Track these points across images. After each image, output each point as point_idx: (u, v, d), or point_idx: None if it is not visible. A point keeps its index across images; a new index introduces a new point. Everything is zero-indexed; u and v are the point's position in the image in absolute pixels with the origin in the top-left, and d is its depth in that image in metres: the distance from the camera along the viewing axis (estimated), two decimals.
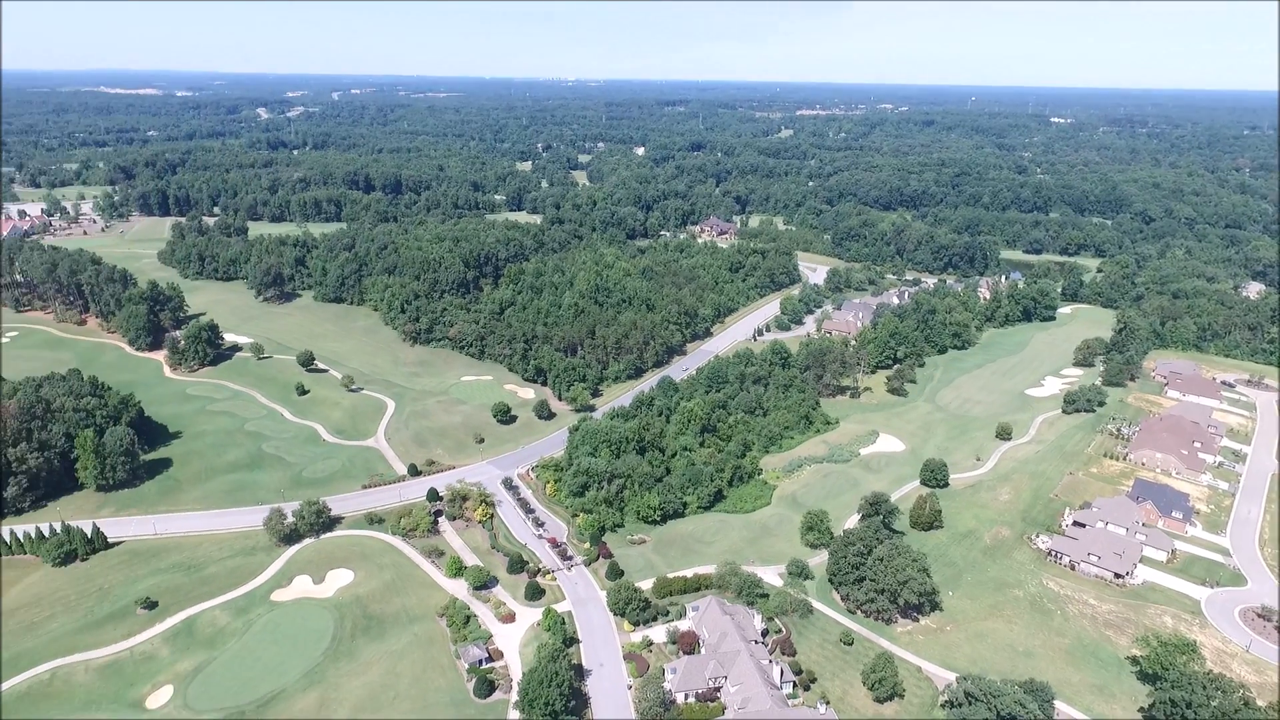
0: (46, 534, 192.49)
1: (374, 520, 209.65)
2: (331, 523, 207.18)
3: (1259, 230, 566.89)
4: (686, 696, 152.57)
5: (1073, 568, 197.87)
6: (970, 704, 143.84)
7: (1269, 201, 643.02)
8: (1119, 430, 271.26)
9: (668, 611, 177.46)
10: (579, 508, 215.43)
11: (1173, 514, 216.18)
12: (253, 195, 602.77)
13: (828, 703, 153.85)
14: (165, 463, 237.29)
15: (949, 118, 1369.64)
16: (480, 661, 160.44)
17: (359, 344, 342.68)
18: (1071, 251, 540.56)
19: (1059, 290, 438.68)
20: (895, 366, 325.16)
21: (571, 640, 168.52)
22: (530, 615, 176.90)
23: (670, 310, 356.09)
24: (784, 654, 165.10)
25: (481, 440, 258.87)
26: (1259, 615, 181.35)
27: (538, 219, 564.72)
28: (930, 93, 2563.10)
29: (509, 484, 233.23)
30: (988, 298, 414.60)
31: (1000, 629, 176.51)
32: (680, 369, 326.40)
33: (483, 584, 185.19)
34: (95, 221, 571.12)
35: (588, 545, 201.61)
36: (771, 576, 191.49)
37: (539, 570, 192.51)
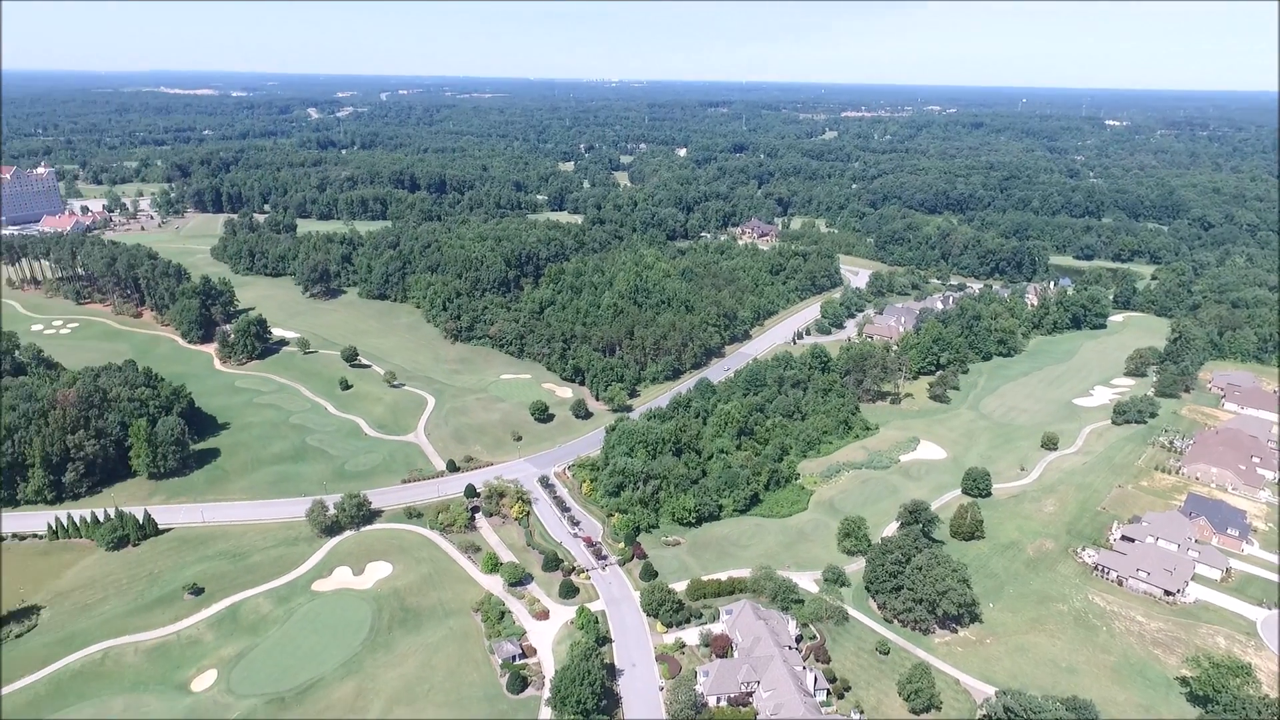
0: (101, 519, 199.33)
1: (413, 514, 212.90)
2: (371, 516, 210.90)
3: None
4: (719, 700, 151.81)
5: (1120, 583, 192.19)
6: (1010, 719, 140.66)
7: None
8: (1172, 443, 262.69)
9: (701, 614, 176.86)
10: (614, 507, 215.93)
11: (1228, 531, 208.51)
12: (302, 193, 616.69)
13: (861, 712, 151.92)
14: (214, 453, 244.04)
15: (998, 120, 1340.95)
16: (514, 657, 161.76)
17: (401, 340, 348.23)
18: (1125, 258, 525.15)
19: (1110, 297, 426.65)
20: (938, 373, 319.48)
21: (604, 639, 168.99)
22: (564, 613, 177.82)
23: (709, 312, 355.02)
24: (818, 661, 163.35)
25: (519, 438, 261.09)
26: None
27: (579, 219, 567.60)
28: (979, 94, 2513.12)
29: (545, 482, 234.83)
30: (1035, 304, 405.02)
31: (1042, 643, 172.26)
32: (721, 369, 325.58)
33: (518, 580, 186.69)
34: (152, 217, 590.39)
35: (622, 545, 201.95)
36: (807, 582, 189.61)
37: (573, 569, 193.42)
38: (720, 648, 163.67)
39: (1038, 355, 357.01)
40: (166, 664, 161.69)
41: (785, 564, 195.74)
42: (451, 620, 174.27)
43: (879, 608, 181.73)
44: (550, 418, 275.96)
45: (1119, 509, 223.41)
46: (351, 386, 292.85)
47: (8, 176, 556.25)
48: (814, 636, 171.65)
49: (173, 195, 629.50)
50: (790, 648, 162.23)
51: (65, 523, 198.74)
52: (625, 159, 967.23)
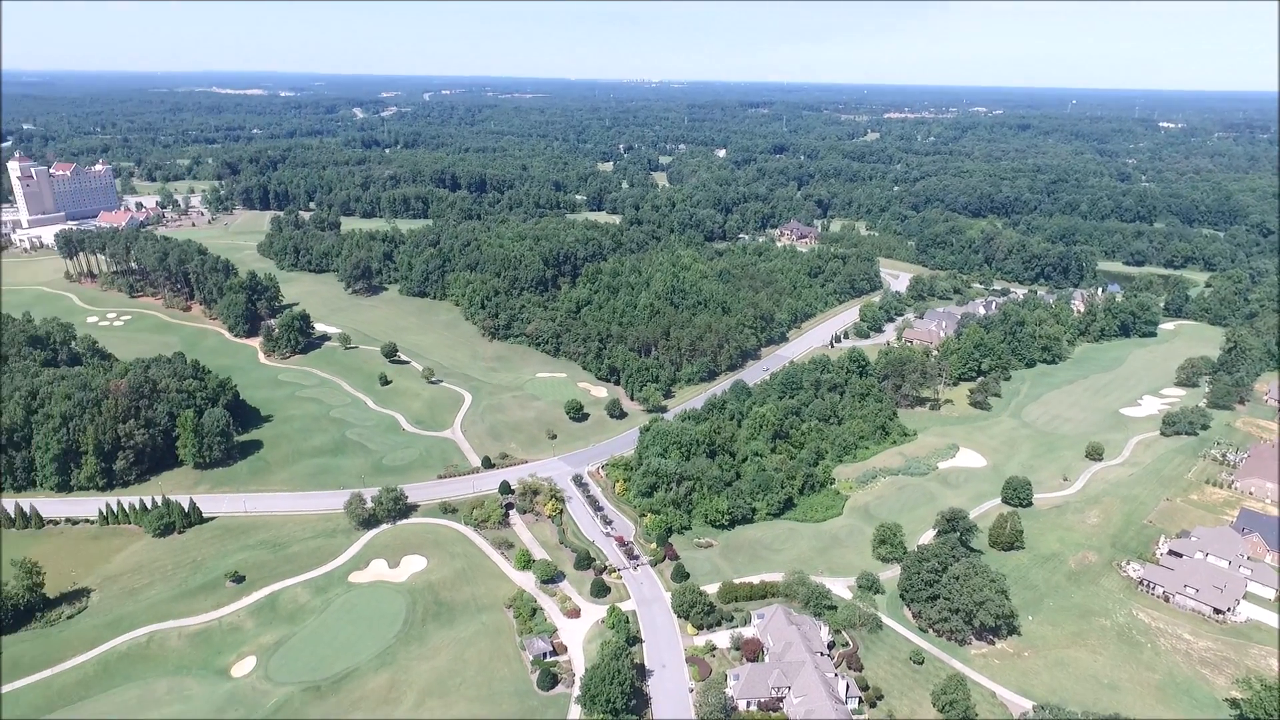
0: (149, 506, 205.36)
1: (448, 509, 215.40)
2: (408, 510, 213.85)
3: None
4: (749, 704, 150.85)
5: (1166, 599, 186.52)
6: None
7: None
8: (1224, 456, 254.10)
9: (732, 617, 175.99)
10: (647, 508, 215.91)
11: None
12: (346, 191, 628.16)
13: None
14: (256, 444, 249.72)
15: (1046, 122, 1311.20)
16: (545, 654, 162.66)
17: (440, 337, 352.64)
18: (1177, 264, 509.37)
19: (1161, 305, 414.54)
20: (979, 379, 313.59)
21: (635, 639, 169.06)
22: (595, 612, 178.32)
23: (746, 314, 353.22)
24: (850, 668, 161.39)
25: (554, 436, 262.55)
26: None
27: (617, 219, 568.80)
28: (1027, 95, 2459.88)
29: (579, 481, 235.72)
30: (1082, 310, 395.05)
31: (1083, 658, 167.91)
32: (761, 369, 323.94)
33: (550, 578, 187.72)
34: (203, 214, 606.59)
35: (654, 546, 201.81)
36: (840, 588, 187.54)
37: (605, 568, 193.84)
38: (751, 652, 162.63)
39: (1084, 363, 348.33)
40: (208, 649, 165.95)
41: (818, 569, 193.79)
42: (484, 615, 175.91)
43: (914, 616, 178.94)
44: (585, 417, 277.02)
45: (1166, 523, 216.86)
46: (390, 382, 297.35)
47: (68, 173, 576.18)
48: (846, 643, 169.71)
49: (222, 192, 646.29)
50: (822, 654, 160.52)
51: (115, 509, 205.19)
52: (664, 159, 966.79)
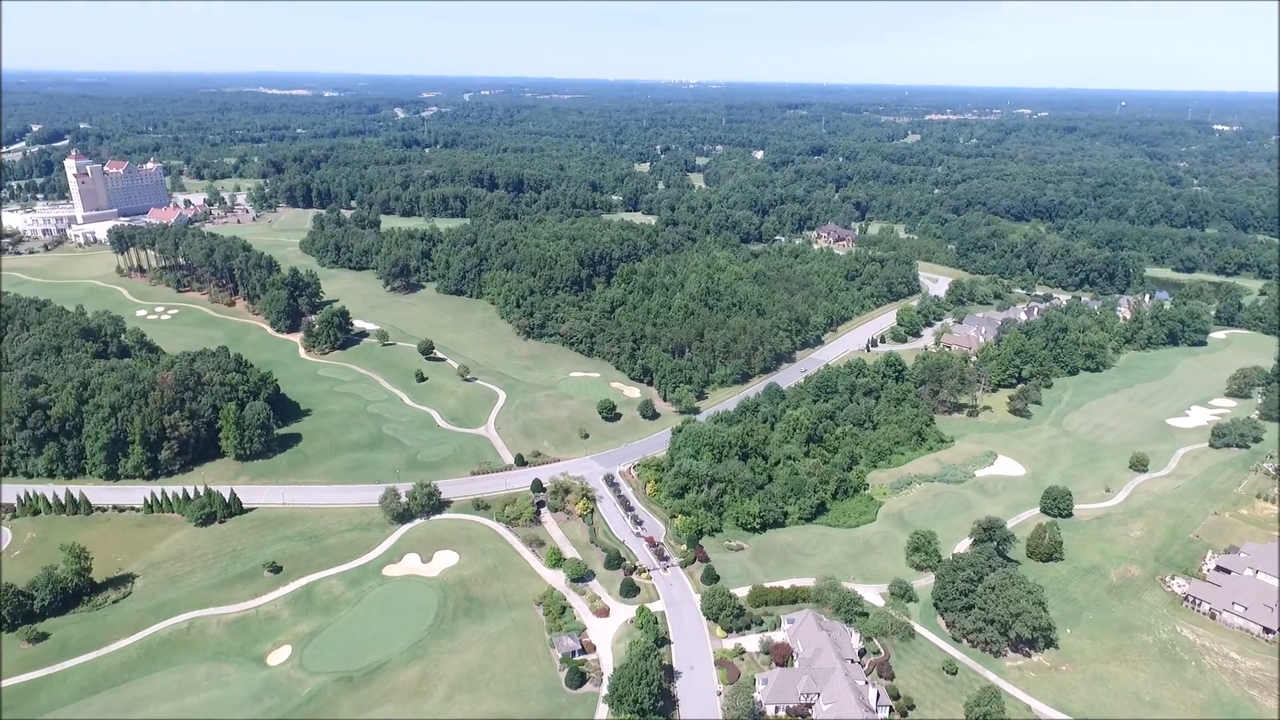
0: (191, 496, 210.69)
1: (480, 506, 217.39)
2: (441, 505, 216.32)
3: None
4: (777, 709, 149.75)
5: (1213, 616, 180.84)
6: None
7: None
8: (1276, 470, 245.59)
9: (762, 621, 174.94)
10: (678, 509, 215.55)
11: None
12: (386, 190, 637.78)
13: None
14: (295, 438, 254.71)
15: (1093, 124, 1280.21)
16: (573, 652, 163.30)
17: (475, 335, 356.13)
18: (1230, 271, 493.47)
19: (1212, 313, 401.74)
20: (1019, 386, 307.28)
21: (663, 640, 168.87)
22: (624, 612, 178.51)
23: (781, 316, 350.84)
24: (881, 677, 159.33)
25: (586, 435, 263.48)
26: None
27: (652, 220, 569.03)
28: (1074, 97, 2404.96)
29: (610, 480, 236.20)
30: (1128, 318, 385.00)
31: (1123, 674, 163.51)
32: (798, 370, 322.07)
33: (580, 577, 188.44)
34: (248, 211, 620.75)
35: (684, 547, 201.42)
36: (872, 595, 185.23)
37: (635, 568, 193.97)
38: (780, 656, 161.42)
39: (1129, 371, 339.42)
40: (245, 637, 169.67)
41: (850, 575, 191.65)
42: (514, 612, 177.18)
43: (947, 626, 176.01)
44: (617, 417, 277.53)
45: (1214, 538, 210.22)
46: (426, 379, 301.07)
47: (121, 171, 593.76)
48: (878, 651, 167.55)
49: (267, 190, 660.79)
50: (853, 661, 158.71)
51: (160, 497, 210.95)
52: (701, 160, 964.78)
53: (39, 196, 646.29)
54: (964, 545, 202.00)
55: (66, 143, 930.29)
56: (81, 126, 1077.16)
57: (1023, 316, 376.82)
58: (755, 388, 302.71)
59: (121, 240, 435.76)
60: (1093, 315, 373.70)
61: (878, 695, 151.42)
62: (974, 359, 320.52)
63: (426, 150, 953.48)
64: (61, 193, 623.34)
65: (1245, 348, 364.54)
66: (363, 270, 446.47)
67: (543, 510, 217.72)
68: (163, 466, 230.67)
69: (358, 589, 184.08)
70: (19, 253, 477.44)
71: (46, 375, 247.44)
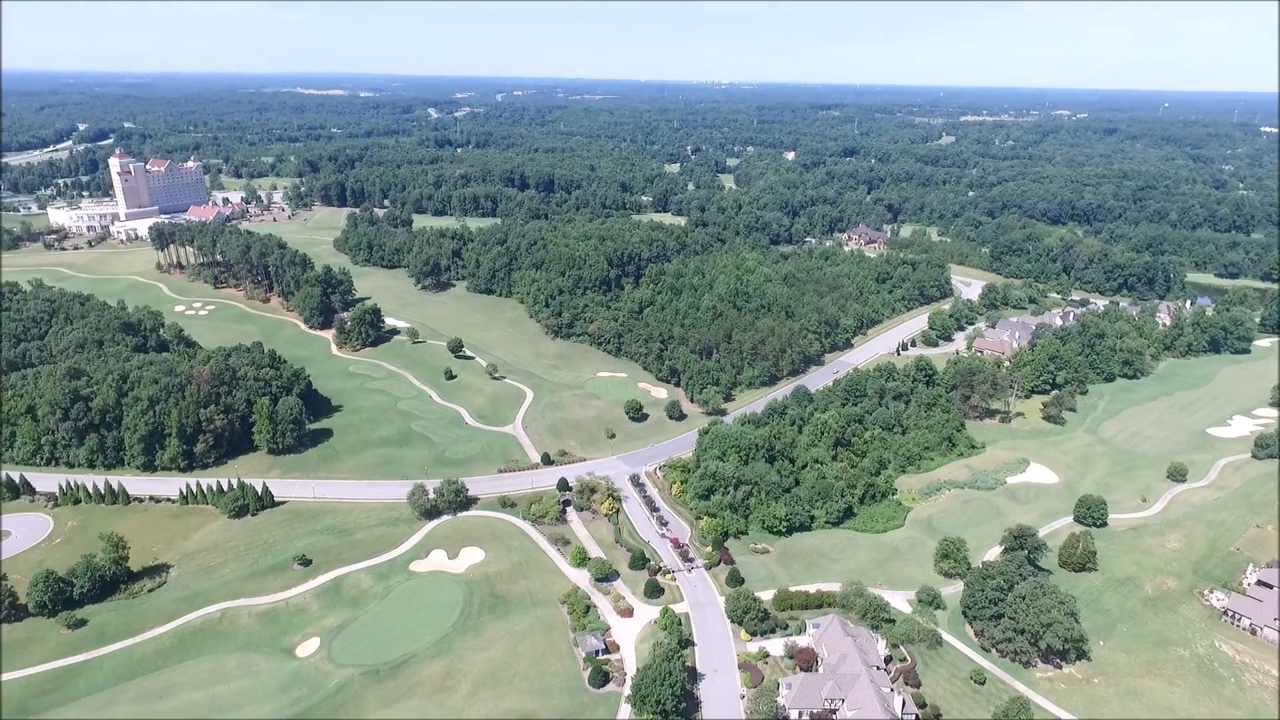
0: (225, 489, 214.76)
1: (506, 504, 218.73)
2: (468, 502, 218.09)
3: None
4: (800, 714, 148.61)
5: (1253, 632, 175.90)
6: None
7: None
8: None
9: (786, 625, 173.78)
10: (703, 511, 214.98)
11: None
12: (419, 190, 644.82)
13: None
14: (327, 433, 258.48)
15: (1134, 126, 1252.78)
16: (597, 652, 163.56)
17: (504, 334, 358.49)
18: (1276, 278, 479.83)
19: (1257, 320, 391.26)
20: (1053, 392, 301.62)
21: (687, 642, 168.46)
22: (648, 612, 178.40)
23: (810, 319, 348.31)
24: (907, 684, 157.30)
25: (613, 435, 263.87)
26: None
27: (682, 221, 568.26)
28: (1114, 98, 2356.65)
29: (636, 481, 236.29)
30: (1168, 324, 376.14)
31: (1158, 689, 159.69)
32: (828, 373, 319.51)
33: (604, 576, 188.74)
34: (284, 209, 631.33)
35: (709, 549, 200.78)
36: (899, 602, 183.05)
37: (660, 569, 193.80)
38: (805, 661, 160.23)
39: (1168, 379, 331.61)
40: (275, 628, 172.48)
41: (877, 581, 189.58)
42: (539, 610, 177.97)
43: (976, 634, 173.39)
44: (644, 417, 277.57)
45: (1255, 551, 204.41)
46: (455, 377, 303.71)
47: (162, 169, 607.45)
48: (904, 658, 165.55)
49: (302, 189, 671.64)
50: (878, 668, 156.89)
51: (194, 489, 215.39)
52: (731, 161, 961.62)
53: (84, 194, 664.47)
54: (994, 553, 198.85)
55: (111, 141, 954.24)
56: (126, 126, 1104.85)
57: (1058, 321, 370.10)
58: (783, 390, 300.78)
59: (162, 237, 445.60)
60: (1131, 321, 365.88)
61: (903, 703, 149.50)
62: (1007, 364, 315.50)
63: (459, 150, 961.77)
64: (106, 190, 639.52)
65: None
66: (394, 268, 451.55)
67: (568, 509, 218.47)
68: (198, 459, 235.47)
69: (385, 583, 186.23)
70: (64, 248, 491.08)
71: (89, 368, 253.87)
